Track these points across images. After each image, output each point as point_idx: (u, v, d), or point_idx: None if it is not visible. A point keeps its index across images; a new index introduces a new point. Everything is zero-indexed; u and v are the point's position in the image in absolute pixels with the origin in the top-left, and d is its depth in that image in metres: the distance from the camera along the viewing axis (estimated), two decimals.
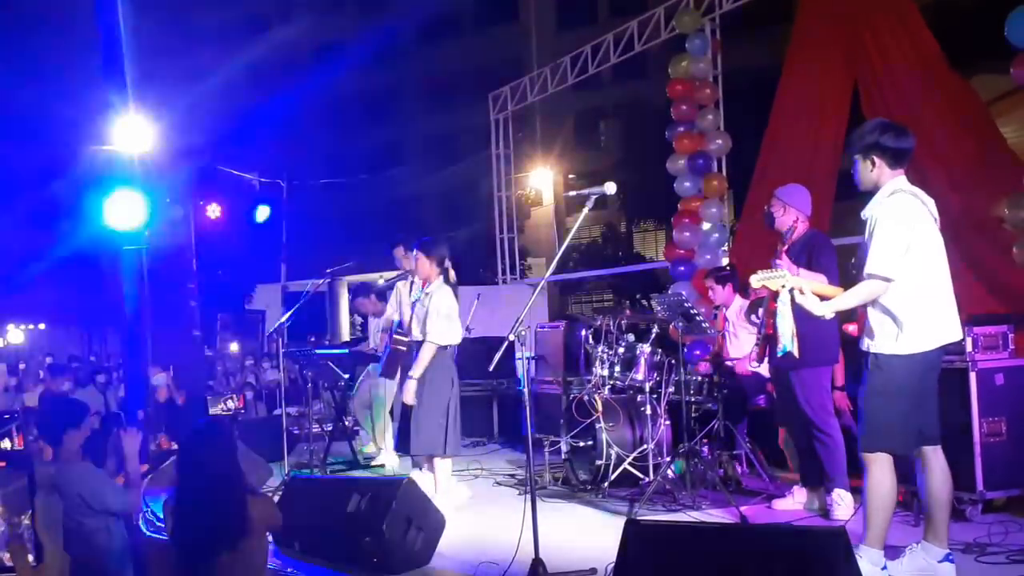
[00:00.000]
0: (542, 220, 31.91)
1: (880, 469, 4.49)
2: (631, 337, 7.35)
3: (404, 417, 7.26)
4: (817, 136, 8.73)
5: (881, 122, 4.65)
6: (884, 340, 4.48)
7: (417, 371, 6.74)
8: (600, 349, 7.38)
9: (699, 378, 7.10)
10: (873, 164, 4.54)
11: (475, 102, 19.55)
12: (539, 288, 5.23)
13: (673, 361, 7.07)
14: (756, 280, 4.83)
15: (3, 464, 1.41)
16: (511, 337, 4.85)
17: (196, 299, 10.74)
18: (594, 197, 4.87)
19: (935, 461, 4.61)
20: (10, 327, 31.39)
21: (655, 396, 7.07)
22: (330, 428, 9.88)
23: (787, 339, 4.91)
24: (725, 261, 9.93)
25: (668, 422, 7.13)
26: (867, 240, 4.53)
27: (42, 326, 31.36)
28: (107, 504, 4.62)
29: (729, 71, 11.08)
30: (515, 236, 15.16)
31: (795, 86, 9.27)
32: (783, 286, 4.72)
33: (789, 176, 7.47)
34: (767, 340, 5.32)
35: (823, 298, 4.69)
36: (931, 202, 4.58)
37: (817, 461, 5.99)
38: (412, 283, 7.45)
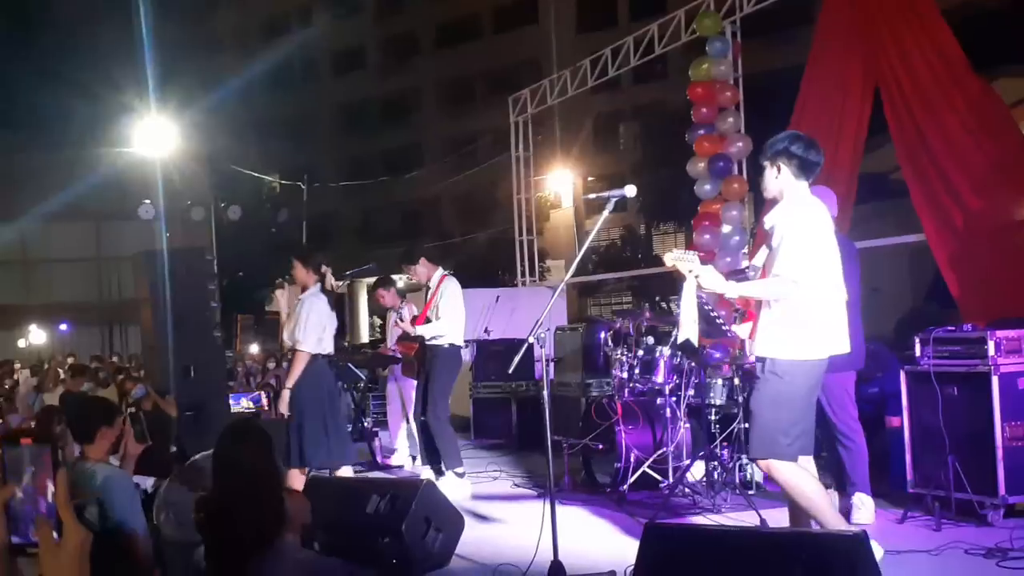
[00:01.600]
0: (561, 222, 31.92)
1: (787, 470, 4.49)
2: (651, 340, 7.34)
3: (424, 427, 7.37)
4: (838, 139, 8.66)
5: (794, 133, 4.76)
6: (783, 346, 4.50)
7: (291, 381, 6.84)
8: (619, 352, 7.37)
9: (719, 381, 7.07)
10: (779, 171, 4.60)
11: (495, 104, 19.58)
12: (559, 290, 5.23)
13: (693, 364, 7.05)
14: (669, 258, 4.84)
15: (29, 441, 1.42)
16: (530, 339, 4.85)
17: (217, 300, 10.75)
18: (614, 200, 4.87)
19: (809, 470, 4.65)
20: (32, 327, 31.63)
21: (675, 399, 7.06)
22: (349, 429, 9.92)
23: (688, 327, 4.90)
24: (745, 264, 9.90)
25: (688, 425, 7.11)
26: (773, 246, 4.56)
27: (63, 326, 31.57)
28: (126, 521, 4.61)
29: (750, 74, 11.04)
30: (534, 239, 15.16)
31: (816, 89, 9.22)
32: (690, 271, 4.71)
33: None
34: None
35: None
36: (827, 212, 4.68)
37: (839, 465, 5.96)
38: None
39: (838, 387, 5.86)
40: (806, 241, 4.46)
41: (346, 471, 7.04)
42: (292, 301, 7.31)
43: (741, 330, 4.79)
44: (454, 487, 7.29)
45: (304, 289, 7.03)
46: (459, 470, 7.51)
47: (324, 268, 7.10)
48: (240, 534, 3.40)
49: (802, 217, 4.51)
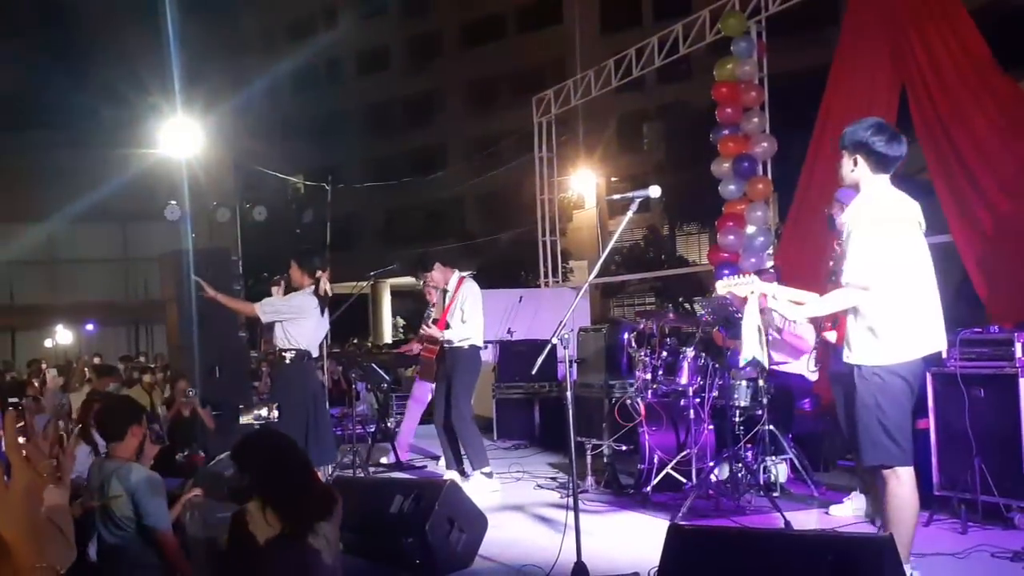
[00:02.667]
0: (584, 223, 31.87)
1: (897, 481, 4.37)
2: (675, 341, 7.32)
3: (447, 430, 7.41)
4: None
5: (877, 122, 4.49)
6: (865, 351, 4.37)
7: None
8: (643, 353, 7.35)
9: (744, 382, 7.04)
10: (855, 164, 4.39)
11: (518, 105, 19.59)
12: (583, 291, 5.22)
13: (717, 365, 7.02)
14: (722, 286, 4.78)
15: None
16: (554, 340, 4.85)
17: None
18: (638, 200, 4.85)
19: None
20: (59, 327, 31.88)
21: (699, 400, 7.04)
22: (372, 429, 9.96)
23: (754, 347, 4.83)
24: (770, 264, 9.86)
25: (711, 427, 7.08)
26: (844, 246, 4.42)
27: (89, 326, 31.82)
28: (150, 523, 4.65)
29: (775, 73, 10.99)
30: (557, 239, 15.15)
31: (842, 89, 9.17)
32: (751, 292, 4.65)
33: (836, 179, 7.38)
34: (824, 346, 5.26)
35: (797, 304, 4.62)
36: (916, 207, 4.44)
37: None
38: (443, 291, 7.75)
39: None
40: (874, 241, 4.25)
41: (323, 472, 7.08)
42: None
43: (829, 336, 4.71)
44: (482, 487, 7.31)
45: (296, 291, 7.14)
46: (486, 469, 7.53)
47: (320, 272, 7.16)
48: (302, 524, 3.52)
49: (873, 214, 4.30)
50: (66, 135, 27.37)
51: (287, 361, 7.01)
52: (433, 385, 8.43)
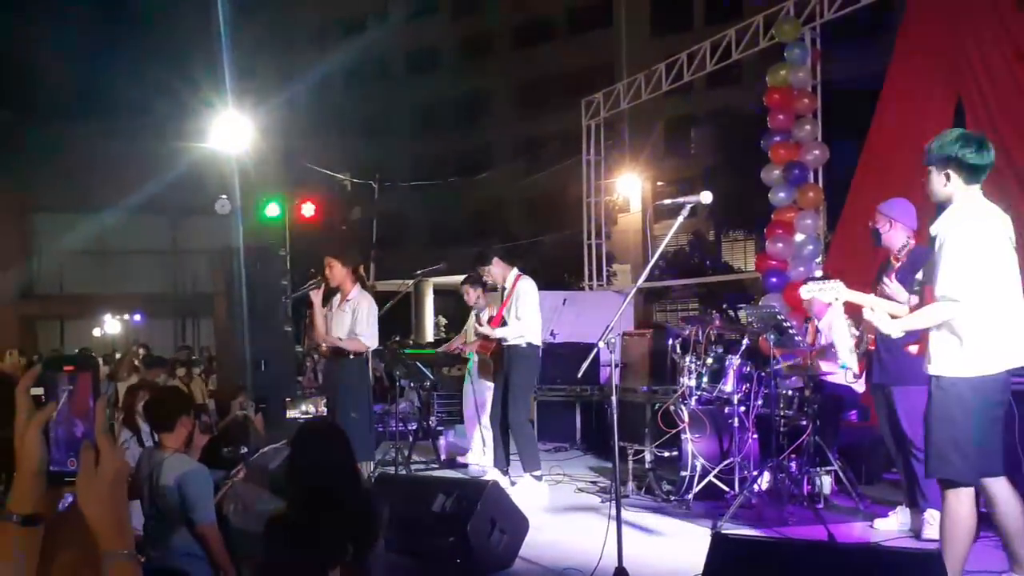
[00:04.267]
0: (629, 226, 31.80)
1: (956, 499, 4.30)
2: (720, 348, 7.27)
3: (503, 429, 7.43)
4: (918, 150, 8.50)
5: (963, 133, 4.43)
6: (947, 362, 4.30)
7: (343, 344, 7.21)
8: (688, 359, 7.32)
9: (790, 391, 6.99)
10: (948, 179, 4.32)
11: (566, 107, 19.58)
12: (629, 296, 5.20)
13: (763, 374, 6.97)
14: (806, 291, 4.73)
15: (72, 368, 1.43)
16: (600, 344, 4.84)
17: (289, 296, 10.94)
18: (689, 206, 4.82)
19: (999, 493, 4.37)
20: (107, 317, 32.37)
21: (743, 409, 6.99)
22: (414, 427, 10.01)
23: (843, 354, 4.78)
24: (819, 273, 9.77)
25: (756, 436, 7.03)
26: (936, 257, 4.33)
27: (137, 317, 32.28)
28: (195, 515, 4.71)
29: (828, 80, 10.88)
30: (603, 242, 15.11)
31: (896, 98, 9.07)
32: (836, 299, 4.60)
33: (888, 189, 7.30)
34: (868, 356, 5.21)
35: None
36: (1008, 220, 4.36)
37: (912, 480, 5.85)
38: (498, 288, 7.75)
39: (919, 401, 5.74)
40: (969, 254, 4.20)
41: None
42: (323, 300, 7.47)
43: (912, 349, 4.65)
44: (531, 490, 7.29)
45: (340, 287, 7.21)
46: (536, 472, 7.48)
47: (361, 269, 7.25)
48: (340, 543, 3.23)
49: (967, 228, 4.24)
50: (119, 128, 27.80)
51: (349, 356, 7.11)
52: (487, 384, 8.47)
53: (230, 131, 16.78)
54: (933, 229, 4.45)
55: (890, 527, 6.12)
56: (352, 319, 7.16)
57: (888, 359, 5.80)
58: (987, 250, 4.25)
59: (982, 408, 4.27)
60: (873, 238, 6.00)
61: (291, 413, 7.94)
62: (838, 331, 4.77)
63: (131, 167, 26.19)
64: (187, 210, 26.99)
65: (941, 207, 4.43)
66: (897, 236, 5.85)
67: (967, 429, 4.26)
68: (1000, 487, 4.37)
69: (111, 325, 32.66)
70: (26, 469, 1.50)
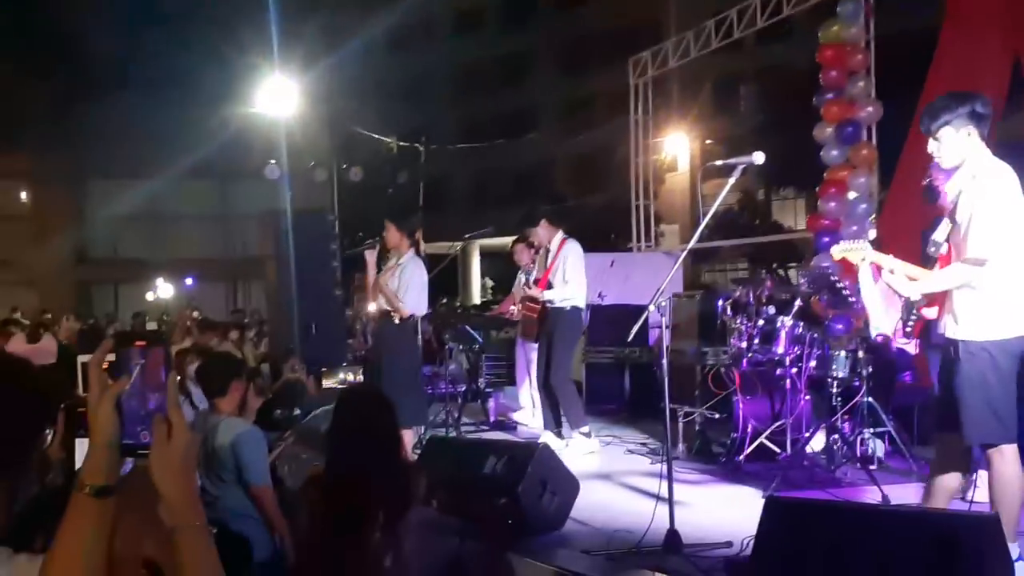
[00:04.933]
0: (677, 186, 31.49)
1: (1001, 459, 4.26)
2: (771, 309, 7.20)
3: (547, 390, 7.45)
4: None
5: (968, 93, 4.41)
6: (975, 325, 4.24)
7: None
8: (739, 321, 7.26)
9: (843, 353, 6.90)
10: (968, 135, 4.26)
11: (613, 65, 19.36)
12: (680, 260, 5.16)
13: (816, 335, 6.89)
14: (837, 251, 4.67)
15: (144, 344, 1.45)
16: (651, 308, 4.81)
17: (338, 260, 11.03)
18: (741, 167, 4.75)
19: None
20: (159, 281, 32.89)
21: (795, 370, 6.93)
22: (463, 389, 10.06)
23: (875, 316, 4.69)
24: (872, 233, 9.61)
25: (808, 397, 6.97)
26: (957, 219, 4.28)
27: (189, 281, 32.74)
28: (250, 477, 4.77)
29: (881, 35, 10.61)
30: (651, 203, 14.98)
31: (950, 57, 8.83)
32: (863, 259, 4.52)
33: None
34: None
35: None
36: (1016, 176, 4.29)
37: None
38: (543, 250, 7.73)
39: None
40: (996, 215, 4.15)
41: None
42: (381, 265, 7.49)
43: (929, 312, 4.59)
44: (581, 446, 7.33)
45: (395, 250, 7.23)
46: (584, 429, 7.54)
47: (418, 234, 7.26)
48: (371, 509, 3.22)
49: (993, 187, 4.19)
50: (168, 94, 28.06)
51: (396, 322, 7.16)
52: (534, 344, 8.48)
53: (277, 95, 16.86)
54: (950, 189, 4.37)
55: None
56: (399, 283, 7.20)
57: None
58: (1011, 210, 4.20)
59: (1011, 371, 4.25)
60: (926, 196, 5.87)
61: (328, 382, 7.98)
62: (867, 294, 4.68)
63: (181, 133, 26.46)
64: (236, 175, 27.25)
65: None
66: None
67: (1001, 392, 4.23)
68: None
69: (164, 289, 33.17)
70: (99, 441, 1.52)
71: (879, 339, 5.95)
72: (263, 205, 14.21)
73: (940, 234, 4.48)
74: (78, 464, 1.60)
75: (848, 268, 8.47)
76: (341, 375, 11.49)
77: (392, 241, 7.26)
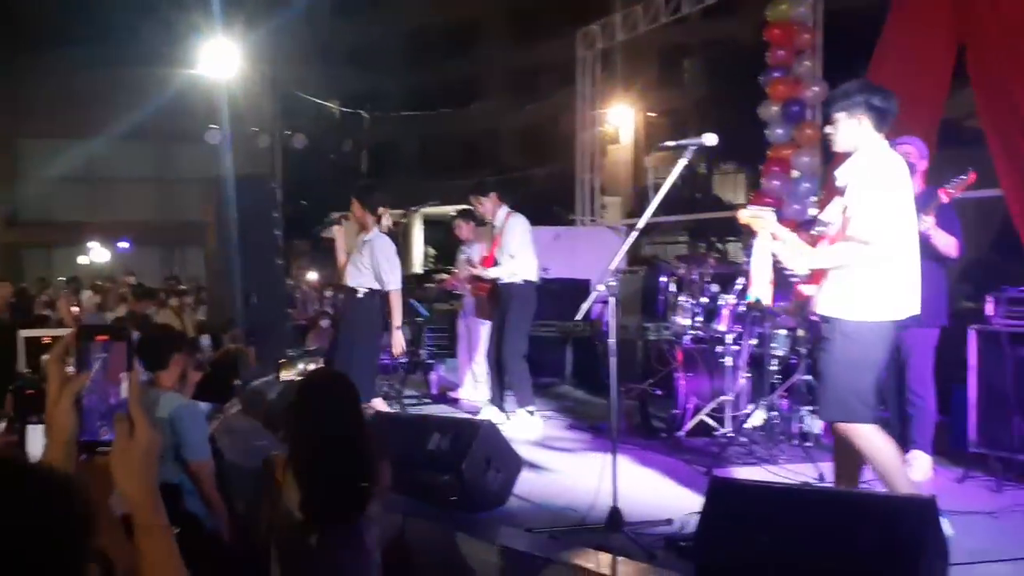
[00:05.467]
0: (619, 158, 31.54)
1: (865, 435, 4.39)
2: (714, 287, 7.26)
3: (499, 366, 7.44)
4: (919, 87, 8.38)
5: (867, 82, 4.64)
6: (852, 307, 4.38)
7: (397, 320, 7.41)
8: (682, 298, 7.31)
9: (783, 331, 6.99)
10: (859, 123, 4.43)
11: (560, 36, 19.27)
12: (631, 239, 5.15)
13: (757, 313, 6.97)
14: (744, 215, 4.74)
15: (106, 338, 1.41)
16: (600, 288, 4.82)
17: (280, 228, 10.88)
18: (692, 149, 4.76)
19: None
20: (94, 245, 32.17)
21: (736, 348, 7.00)
22: (405, 361, 10.01)
23: (758, 285, 4.79)
24: (813, 212, 9.73)
25: (748, 375, 7.06)
26: (847, 201, 4.43)
27: (125, 244, 32.08)
28: (188, 453, 4.69)
29: (830, 16, 10.66)
30: (595, 176, 14.99)
31: (894, 43, 8.89)
32: (763, 228, 4.60)
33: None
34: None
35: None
36: (906, 168, 4.51)
37: (904, 423, 5.89)
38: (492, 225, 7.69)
39: (918, 344, 5.75)
40: (882, 199, 4.32)
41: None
42: (349, 239, 7.46)
43: (809, 289, 4.67)
44: (525, 425, 7.33)
45: (363, 228, 7.19)
46: (530, 408, 7.51)
47: (382, 209, 7.21)
48: (337, 495, 3.16)
49: (880, 173, 4.37)
50: (105, 54, 27.30)
51: (359, 296, 7.13)
52: (481, 320, 8.48)
53: (219, 57, 16.51)
54: (840, 175, 4.51)
55: None
56: (372, 261, 7.25)
57: None
58: (897, 198, 4.35)
59: (881, 354, 4.41)
60: None
61: (287, 374, 7.87)
62: (758, 261, 4.76)
63: (118, 93, 25.81)
64: (175, 137, 26.69)
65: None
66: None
67: (868, 375, 4.37)
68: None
69: (99, 253, 32.45)
70: (58, 439, 1.49)
71: (783, 318, 6.05)
72: (203, 170, 13.96)
73: (828, 215, 4.60)
74: (29, 449, 1.56)
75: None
76: (301, 366, 11.35)
77: (357, 217, 7.25)
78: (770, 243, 4.62)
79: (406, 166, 39.89)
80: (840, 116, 4.48)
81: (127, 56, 26.36)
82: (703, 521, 3.89)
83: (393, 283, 7.26)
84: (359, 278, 7.33)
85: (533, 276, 7.69)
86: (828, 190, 10.35)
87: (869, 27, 9.76)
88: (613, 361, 4.81)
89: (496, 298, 7.80)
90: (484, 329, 8.32)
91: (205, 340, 10.60)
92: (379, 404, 7.36)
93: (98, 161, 29.29)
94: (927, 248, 5.47)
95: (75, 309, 11.76)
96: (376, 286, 7.27)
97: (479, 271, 7.90)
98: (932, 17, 8.45)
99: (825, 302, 4.48)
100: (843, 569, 3.51)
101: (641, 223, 4.85)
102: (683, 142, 4.72)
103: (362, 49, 42.52)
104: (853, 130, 4.45)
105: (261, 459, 5.95)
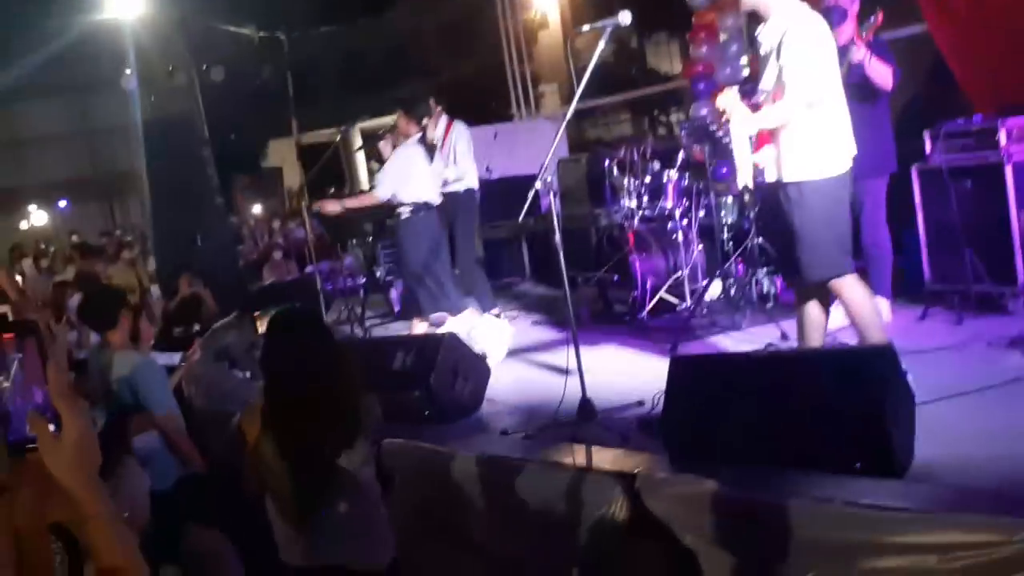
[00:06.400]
0: (552, 43, 31.01)
1: (848, 287, 4.51)
2: (656, 165, 7.23)
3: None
4: None
5: None
6: (811, 168, 4.45)
7: (351, 204, 7.59)
8: (626, 180, 7.27)
9: (730, 199, 7.00)
10: None
11: None
12: (561, 129, 5.09)
13: (702, 185, 6.96)
14: (722, 101, 4.72)
15: (11, 336, 1.35)
16: (538, 185, 4.77)
17: (213, 166, 10.62)
18: (609, 29, 4.68)
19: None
20: (32, 208, 31.47)
21: (686, 222, 7.01)
22: (363, 282, 9.96)
23: (744, 170, 4.76)
24: (746, 73, 9.64)
25: (701, 247, 7.08)
26: (769, 59, 4.48)
27: (63, 203, 31.41)
28: (152, 408, 4.65)
29: None
30: (525, 66, 14.74)
31: None
32: (736, 111, 4.59)
33: None
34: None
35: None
36: (823, 22, 4.54)
37: (863, 272, 5.95)
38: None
39: (869, 193, 5.78)
40: (811, 59, 4.36)
41: (464, 319, 7.01)
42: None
43: (758, 157, 4.64)
44: (493, 328, 7.30)
45: (406, 138, 7.02)
46: (494, 312, 7.51)
47: (426, 119, 7.06)
48: (317, 439, 3.01)
49: (803, 33, 4.38)
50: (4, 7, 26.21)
51: (403, 217, 6.93)
52: None
53: None
54: (764, 39, 4.53)
55: (836, 320, 6.26)
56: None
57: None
58: (820, 52, 4.41)
59: (845, 204, 4.54)
60: (836, 17, 5.85)
61: (263, 327, 7.74)
62: (738, 146, 4.72)
63: (22, 49, 24.84)
64: (93, 88, 25.84)
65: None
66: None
67: (844, 226, 4.51)
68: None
69: (38, 216, 31.77)
70: None
71: (733, 186, 6.05)
72: (126, 118, 13.53)
73: (766, 82, 4.56)
74: None
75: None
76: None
77: (402, 129, 7.06)
78: (739, 123, 4.57)
79: (333, 84, 39.04)
80: None
81: (23, 7, 25.30)
82: (667, 400, 3.94)
83: (378, 189, 7.00)
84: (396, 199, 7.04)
85: (475, 183, 7.65)
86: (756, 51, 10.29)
87: None
88: (560, 258, 4.78)
89: (442, 210, 7.71)
90: None
91: (155, 290, 10.47)
92: (417, 326, 7.21)
93: (19, 122, 28.45)
94: (864, 90, 5.47)
95: (18, 279, 11.50)
96: (417, 199, 6.94)
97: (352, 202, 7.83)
98: None
99: (787, 168, 4.51)
100: (809, 427, 3.57)
101: (571, 110, 4.78)
102: (599, 24, 4.64)
103: None
104: None
105: (230, 402, 5.94)
